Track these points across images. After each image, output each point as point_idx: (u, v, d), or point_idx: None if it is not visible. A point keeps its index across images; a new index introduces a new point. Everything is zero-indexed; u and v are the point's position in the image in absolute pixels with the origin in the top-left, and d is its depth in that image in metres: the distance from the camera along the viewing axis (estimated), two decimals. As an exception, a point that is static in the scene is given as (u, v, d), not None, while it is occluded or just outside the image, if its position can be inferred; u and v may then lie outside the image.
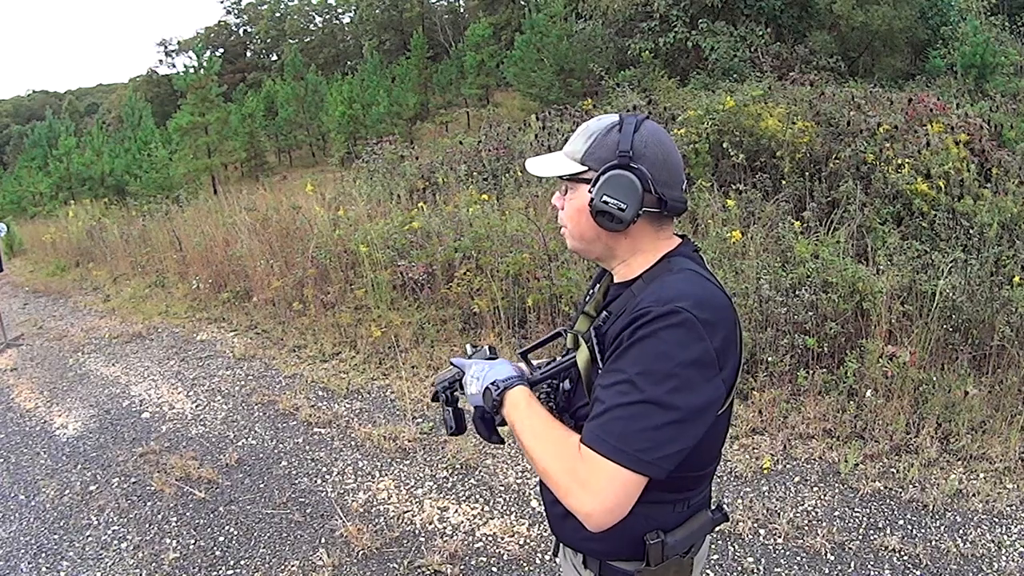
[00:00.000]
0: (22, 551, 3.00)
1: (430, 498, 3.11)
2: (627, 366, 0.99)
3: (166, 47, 59.08)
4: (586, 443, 1.00)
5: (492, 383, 1.16)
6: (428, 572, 2.63)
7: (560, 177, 1.16)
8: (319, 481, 3.35)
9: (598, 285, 1.31)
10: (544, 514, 1.43)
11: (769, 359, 3.63)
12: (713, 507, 1.25)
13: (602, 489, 0.97)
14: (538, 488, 1.43)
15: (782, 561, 2.54)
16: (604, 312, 1.17)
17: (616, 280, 1.22)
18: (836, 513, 2.79)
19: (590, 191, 1.11)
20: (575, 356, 1.15)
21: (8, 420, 4.51)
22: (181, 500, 3.28)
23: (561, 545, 1.30)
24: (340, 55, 45.84)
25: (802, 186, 5.26)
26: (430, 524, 2.93)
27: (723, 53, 11.89)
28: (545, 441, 1.06)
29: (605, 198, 1.09)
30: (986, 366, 3.47)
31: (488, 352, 1.31)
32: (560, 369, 1.19)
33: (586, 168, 1.13)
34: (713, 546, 2.65)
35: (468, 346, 1.36)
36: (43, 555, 2.96)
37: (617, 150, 1.11)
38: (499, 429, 1.25)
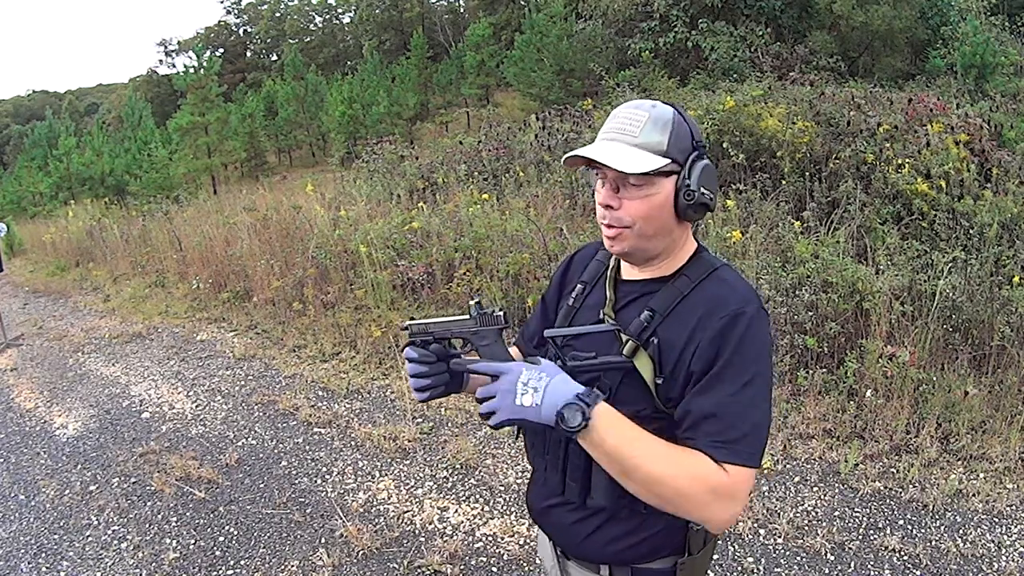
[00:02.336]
0: (22, 551, 3.00)
1: (430, 498, 3.11)
2: (738, 374, 1.02)
3: (166, 47, 59.11)
4: (728, 461, 1.00)
5: (576, 398, 1.00)
6: (428, 572, 2.63)
7: (647, 173, 1.05)
8: (319, 481, 3.35)
9: (604, 281, 1.23)
10: (547, 534, 1.30)
11: (769, 359, 3.63)
12: None
13: (745, 493, 1.02)
14: (533, 508, 1.30)
15: (782, 561, 2.54)
16: (646, 312, 1.10)
17: (645, 276, 1.16)
18: (836, 513, 2.78)
19: (686, 182, 1.08)
20: (630, 362, 1.08)
21: (8, 420, 4.51)
22: (181, 500, 3.28)
23: (569, 560, 1.25)
24: (340, 55, 45.83)
25: (802, 186, 5.26)
26: (430, 524, 2.93)
27: (723, 53, 11.88)
28: (674, 465, 1.00)
29: (704, 189, 1.09)
30: (986, 366, 3.47)
31: (502, 320, 1.11)
32: (608, 368, 1.10)
33: (670, 160, 1.07)
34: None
35: (473, 305, 1.12)
36: (43, 555, 2.96)
37: (692, 139, 1.10)
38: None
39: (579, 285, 1.26)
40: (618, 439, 1.00)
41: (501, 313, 1.11)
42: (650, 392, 1.08)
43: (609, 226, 1.11)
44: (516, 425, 1.05)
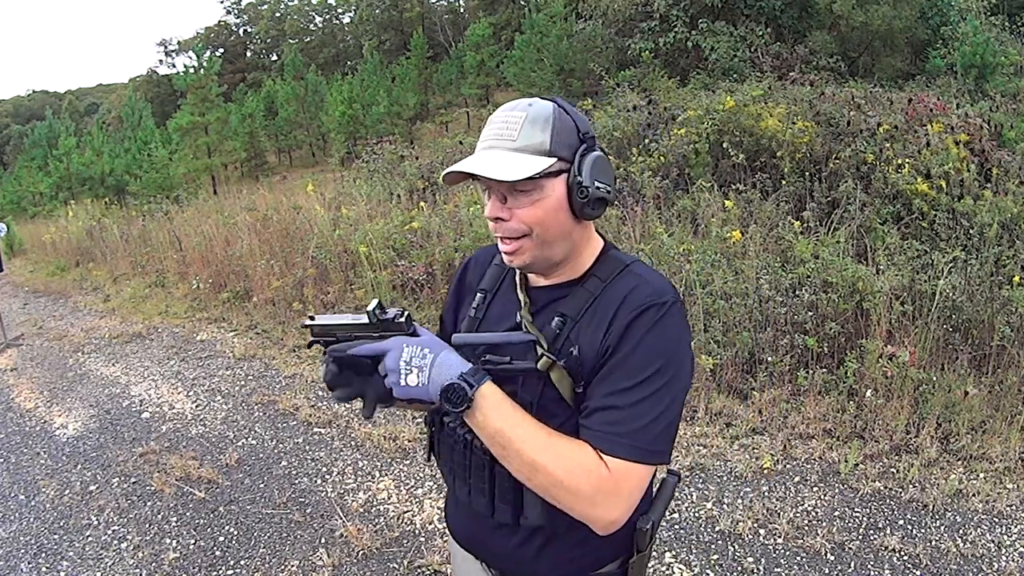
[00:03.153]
0: (22, 551, 3.00)
1: (430, 498, 3.11)
2: (637, 367, 0.98)
3: (166, 47, 59.13)
4: (612, 454, 0.96)
5: (460, 377, 0.95)
6: (428, 572, 2.63)
7: (532, 178, 0.98)
8: (319, 481, 3.35)
9: (509, 287, 1.16)
10: (484, 562, 1.22)
11: (769, 359, 3.63)
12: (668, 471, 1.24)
13: (632, 491, 0.96)
14: (461, 536, 1.26)
15: (782, 561, 2.54)
16: (557, 318, 1.05)
17: (553, 281, 1.10)
18: (836, 513, 2.79)
19: (577, 179, 1.01)
20: (534, 366, 1.03)
21: (8, 420, 4.50)
22: (181, 500, 3.28)
23: None
24: (340, 55, 45.84)
25: (802, 186, 5.26)
26: (430, 524, 2.93)
27: (723, 53, 11.88)
28: (554, 453, 0.95)
29: (598, 184, 1.02)
30: (986, 366, 3.47)
31: (406, 324, 1.01)
32: (516, 372, 1.04)
33: (556, 159, 1.00)
34: (713, 546, 2.65)
35: (374, 304, 1.00)
36: (43, 555, 2.96)
37: (579, 132, 1.03)
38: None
39: (478, 294, 1.18)
40: (502, 421, 0.96)
41: (404, 316, 1.01)
42: (569, 405, 1.03)
43: (504, 239, 1.03)
44: (406, 405, 1.01)
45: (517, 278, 1.15)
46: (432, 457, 1.23)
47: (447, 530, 1.33)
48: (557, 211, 1.02)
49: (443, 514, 1.36)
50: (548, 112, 1.02)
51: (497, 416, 0.96)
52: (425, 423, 1.24)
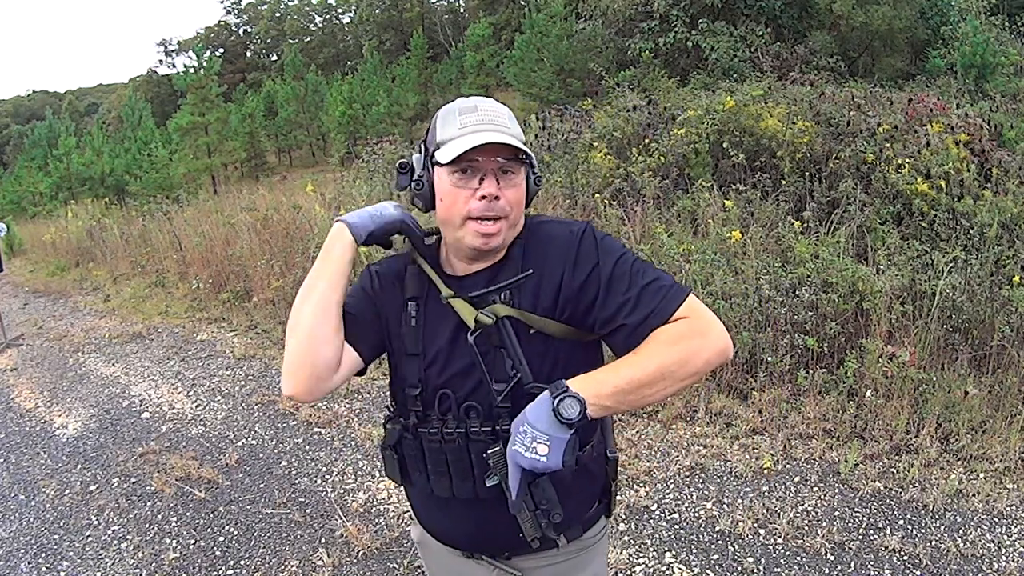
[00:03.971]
0: (22, 551, 3.00)
1: (430, 498, 3.11)
2: (619, 267, 1.10)
3: (166, 47, 59.11)
4: (672, 313, 1.07)
5: (556, 397, 1.02)
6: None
7: (522, 159, 1.12)
8: (319, 481, 3.35)
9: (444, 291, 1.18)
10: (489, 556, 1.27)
11: (769, 359, 3.63)
12: None
13: (704, 311, 1.09)
14: (458, 539, 1.28)
15: (782, 561, 2.54)
16: (501, 293, 1.13)
17: (483, 266, 1.17)
18: (836, 513, 2.79)
19: (532, 171, 1.17)
20: (531, 272, 1.13)
21: (8, 420, 4.51)
22: (181, 500, 3.28)
23: (517, 557, 1.24)
24: (340, 55, 45.84)
25: (802, 186, 5.26)
26: (430, 524, 2.93)
27: (723, 53, 11.88)
28: (651, 358, 1.04)
29: (539, 178, 1.19)
30: (986, 366, 3.47)
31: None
32: (512, 284, 1.14)
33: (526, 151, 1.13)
34: (713, 546, 2.65)
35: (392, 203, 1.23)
36: (43, 555, 2.96)
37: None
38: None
39: (411, 303, 1.20)
40: (610, 386, 1.03)
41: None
42: (578, 343, 1.14)
43: (496, 219, 1.10)
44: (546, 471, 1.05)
45: (434, 275, 1.18)
46: (405, 480, 1.24)
47: (436, 550, 1.31)
48: (523, 197, 1.15)
49: (422, 543, 1.37)
50: (510, 111, 1.16)
51: (601, 384, 1.03)
52: (383, 449, 1.24)
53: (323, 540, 2.88)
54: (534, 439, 1.02)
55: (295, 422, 4.00)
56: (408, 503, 1.38)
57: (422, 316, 1.19)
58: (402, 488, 1.33)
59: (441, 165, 1.11)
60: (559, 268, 1.12)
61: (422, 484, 1.21)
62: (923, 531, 2.65)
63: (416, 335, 1.19)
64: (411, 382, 1.18)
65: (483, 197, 1.09)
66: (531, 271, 1.12)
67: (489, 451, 1.09)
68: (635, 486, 3.06)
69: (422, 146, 1.18)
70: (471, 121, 1.09)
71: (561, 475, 1.04)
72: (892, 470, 3.02)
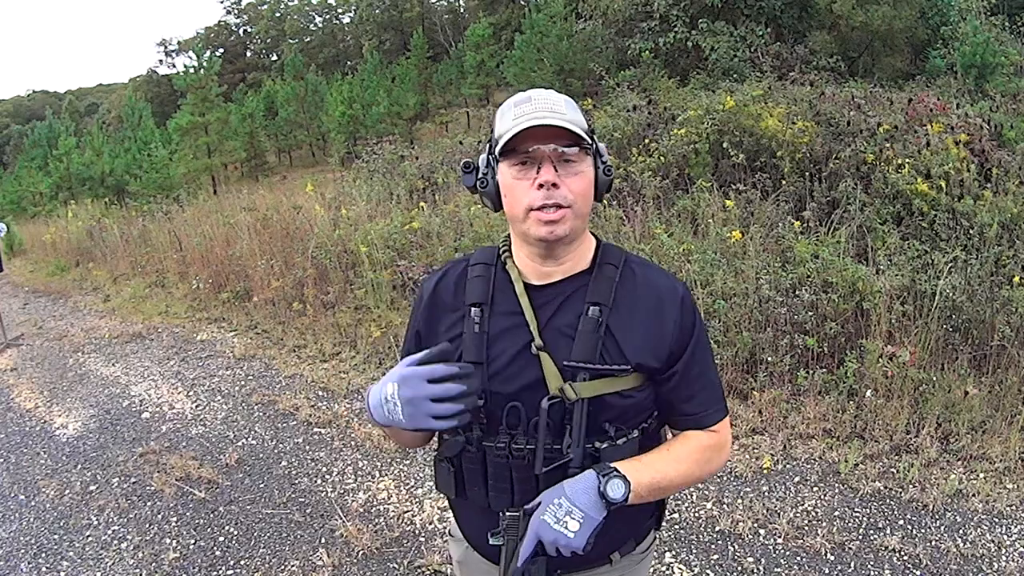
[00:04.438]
0: (22, 551, 3.00)
1: (430, 498, 3.11)
2: (700, 352, 1.15)
3: (166, 47, 59.05)
4: (716, 422, 1.17)
5: (602, 477, 1.03)
6: (428, 572, 2.63)
7: (584, 147, 1.08)
8: (319, 481, 3.35)
9: (507, 294, 1.15)
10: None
11: (769, 359, 3.63)
12: None
13: (728, 434, 1.22)
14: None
15: (782, 561, 2.54)
16: (592, 307, 1.10)
17: (561, 276, 1.13)
18: (836, 513, 2.79)
19: (602, 160, 1.12)
20: (630, 368, 1.09)
21: (8, 420, 4.51)
22: (181, 500, 3.28)
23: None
24: (340, 55, 45.82)
25: (802, 186, 5.26)
26: (430, 524, 2.93)
27: (723, 53, 11.87)
28: (684, 464, 1.13)
29: (609, 168, 1.13)
30: (986, 366, 3.46)
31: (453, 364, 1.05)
32: (608, 373, 1.10)
33: (590, 139, 1.10)
34: (713, 546, 2.65)
35: (427, 351, 1.05)
36: (43, 555, 2.96)
37: (585, 118, 1.11)
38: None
39: (473, 309, 1.15)
40: (646, 478, 1.08)
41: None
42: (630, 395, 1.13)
43: (556, 207, 1.06)
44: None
45: (518, 283, 1.14)
46: (460, 495, 1.20)
47: (479, 569, 1.28)
48: (590, 187, 1.11)
49: (463, 562, 1.34)
50: (572, 100, 1.12)
51: (640, 475, 1.07)
52: (439, 461, 1.21)
53: (323, 540, 2.88)
54: (568, 513, 1.02)
55: (295, 422, 4.00)
56: (453, 517, 1.34)
57: (486, 323, 1.14)
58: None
59: (501, 160, 1.09)
60: (661, 323, 1.11)
61: (479, 499, 1.17)
62: (923, 531, 2.64)
63: (480, 343, 1.13)
64: (472, 390, 1.11)
65: (540, 186, 1.06)
66: (630, 367, 1.09)
67: (507, 513, 1.09)
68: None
69: (487, 145, 1.16)
70: (524, 111, 1.07)
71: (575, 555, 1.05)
72: (892, 470, 3.01)
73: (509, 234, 1.19)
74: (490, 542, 1.11)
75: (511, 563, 1.07)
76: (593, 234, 1.20)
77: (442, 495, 1.30)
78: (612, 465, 1.05)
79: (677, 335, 1.12)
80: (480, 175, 1.15)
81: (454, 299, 1.19)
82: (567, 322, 1.11)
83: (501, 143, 1.07)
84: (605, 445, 1.09)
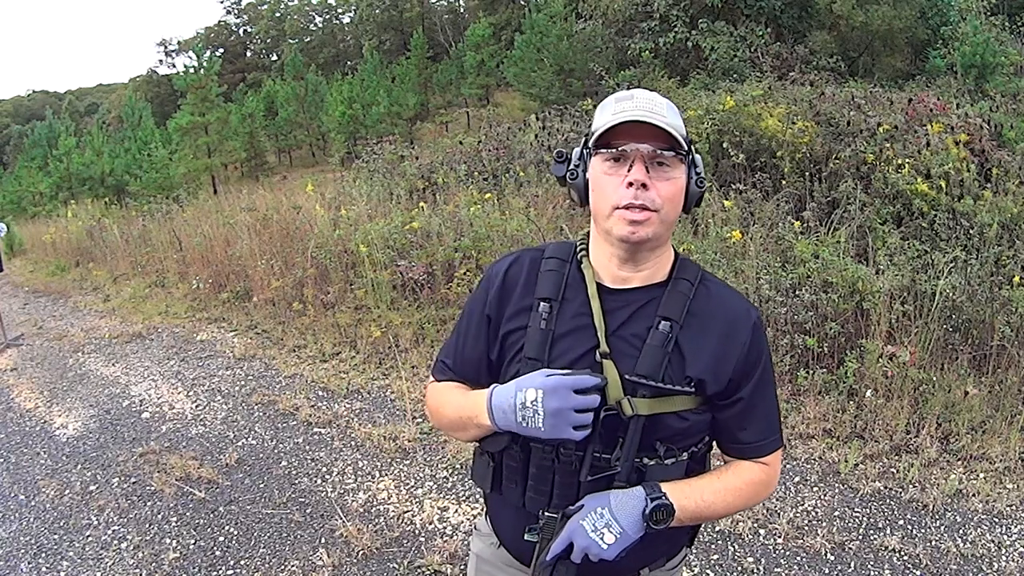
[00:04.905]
0: (22, 551, 3.00)
1: (430, 498, 3.11)
2: (765, 380, 1.13)
3: (166, 47, 59.05)
4: (770, 454, 1.15)
5: (651, 499, 1.03)
6: (428, 572, 2.63)
7: (679, 152, 1.05)
8: (319, 481, 3.35)
9: (580, 293, 1.12)
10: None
11: (769, 359, 3.62)
12: None
13: (779, 467, 1.20)
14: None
15: (782, 561, 2.54)
16: (664, 322, 1.07)
17: (637, 283, 1.11)
18: (836, 513, 2.78)
19: (696, 170, 1.10)
20: (692, 389, 1.07)
21: (8, 420, 4.50)
22: (181, 500, 3.28)
23: None
24: (340, 55, 45.83)
25: (802, 186, 5.26)
26: (430, 524, 2.93)
27: (723, 53, 11.87)
28: (732, 494, 1.12)
29: (702, 179, 1.11)
30: (986, 366, 3.47)
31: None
32: (673, 393, 1.07)
33: (687, 146, 1.07)
34: (713, 546, 2.65)
35: (577, 375, 1.03)
36: (43, 555, 2.96)
37: (682, 125, 1.09)
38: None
39: (542, 303, 1.11)
40: (691, 502, 1.08)
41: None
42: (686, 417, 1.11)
43: (641, 208, 1.03)
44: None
45: (591, 284, 1.11)
46: (496, 490, 1.18)
47: (499, 565, 1.27)
48: (680, 195, 1.08)
49: (482, 556, 1.32)
50: (674, 106, 1.09)
51: (686, 501, 1.07)
52: (479, 454, 1.20)
53: (323, 540, 2.88)
54: (607, 525, 1.02)
55: (295, 422, 4.00)
56: (485, 513, 1.31)
57: (553, 320, 1.11)
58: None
59: (594, 153, 1.07)
60: (730, 346, 1.09)
61: (514, 496, 1.14)
62: (923, 531, 2.64)
63: (544, 340, 1.10)
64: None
65: (630, 184, 1.03)
66: (693, 389, 1.07)
67: (545, 512, 1.08)
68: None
69: (583, 138, 1.14)
70: (624, 108, 1.04)
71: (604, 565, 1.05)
72: (892, 470, 3.01)
73: (588, 232, 1.17)
74: (525, 537, 1.11)
75: (540, 559, 1.07)
76: (673, 248, 1.17)
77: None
78: (663, 489, 1.05)
79: (744, 360, 1.09)
80: (571, 166, 1.12)
81: (523, 288, 1.15)
82: (635, 332, 1.08)
83: (596, 135, 1.05)
84: (653, 463, 1.08)
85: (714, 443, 1.20)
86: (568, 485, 1.08)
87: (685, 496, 1.07)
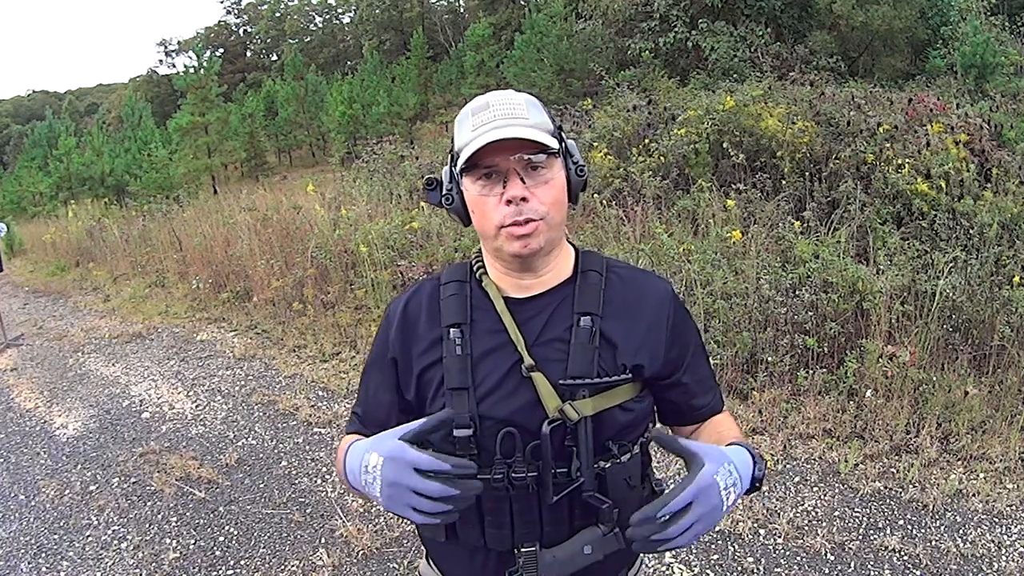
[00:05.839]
0: (22, 551, 3.00)
1: (430, 498, 3.11)
2: (699, 347, 1.16)
3: (166, 47, 59.02)
4: (721, 407, 1.18)
5: (755, 460, 0.99)
6: (428, 572, 2.63)
7: (555, 152, 1.00)
8: (319, 481, 3.35)
9: (486, 310, 1.06)
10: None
11: (769, 359, 3.63)
12: None
13: None
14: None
15: (782, 561, 2.54)
16: (584, 318, 1.03)
17: (542, 288, 1.07)
18: (836, 513, 2.79)
19: (573, 159, 1.04)
20: (629, 376, 1.03)
21: (8, 420, 4.51)
22: (181, 500, 3.28)
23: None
24: (340, 55, 45.82)
25: (802, 186, 5.26)
26: (430, 524, 2.92)
27: (723, 53, 11.87)
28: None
29: (581, 168, 1.05)
30: (986, 366, 3.47)
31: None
32: (611, 385, 1.04)
33: (558, 140, 1.02)
34: (713, 546, 2.65)
35: (423, 421, 0.93)
36: (43, 555, 2.96)
37: (550, 116, 1.04)
38: None
39: (452, 330, 1.05)
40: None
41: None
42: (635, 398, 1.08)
43: (526, 221, 0.98)
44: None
45: (498, 301, 1.06)
46: (450, 538, 1.07)
47: None
48: (562, 193, 1.02)
49: None
50: (535, 99, 1.04)
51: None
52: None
53: (323, 540, 2.88)
54: (735, 484, 0.91)
55: (295, 422, 4.00)
56: (427, 559, 1.21)
57: (468, 344, 1.04)
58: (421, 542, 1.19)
59: (464, 175, 1.01)
60: (656, 324, 1.07)
61: (473, 538, 1.05)
62: (923, 531, 2.65)
63: (463, 366, 1.03)
64: (460, 421, 1.01)
65: (509, 202, 0.97)
66: (629, 376, 1.03)
67: (522, 549, 1.01)
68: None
69: (449, 156, 1.08)
70: (483, 120, 0.99)
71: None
72: (892, 470, 3.01)
73: (480, 249, 1.11)
74: None
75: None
76: (570, 242, 1.13)
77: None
78: (748, 445, 1.01)
79: (672, 334, 1.08)
80: (444, 191, 1.06)
81: (428, 321, 1.09)
82: (557, 336, 1.04)
83: (461, 160, 0.98)
84: (609, 464, 1.03)
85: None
86: (528, 511, 1.02)
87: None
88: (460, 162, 0.99)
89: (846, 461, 3.07)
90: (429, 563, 1.20)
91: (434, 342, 1.07)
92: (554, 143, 0.99)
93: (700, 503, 0.86)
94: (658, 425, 1.17)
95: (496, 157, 0.97)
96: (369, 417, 1.16)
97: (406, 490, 0.87)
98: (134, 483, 3.49)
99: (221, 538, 2.97)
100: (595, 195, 5.52)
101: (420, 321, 1.10)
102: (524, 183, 0.98)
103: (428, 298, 1.11)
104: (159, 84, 46.04)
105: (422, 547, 1.23)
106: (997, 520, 2.68)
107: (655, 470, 1.16)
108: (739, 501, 0.98)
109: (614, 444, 1.03)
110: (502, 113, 0.99)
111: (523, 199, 0.97)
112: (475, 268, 1.11)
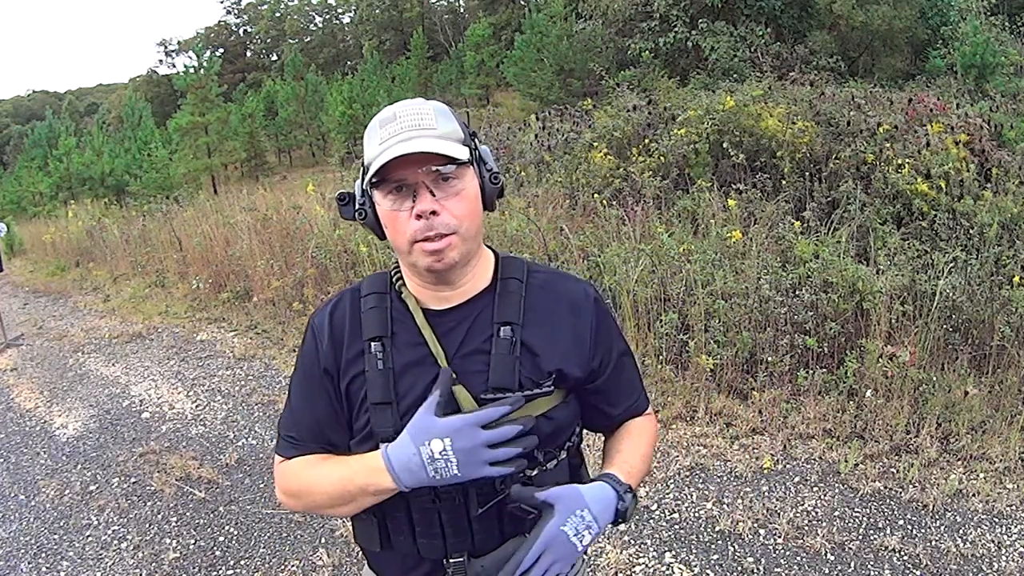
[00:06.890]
0: (22, 551, 3.00)
1: (430, 498, 3.11)
2: (623, 350, 1.16)
3: (166, 47, 59.04)
4: (644, 408, 1.19)
5: (620, 495, 1.01)
6: (428, 572, 2.63)
7: (465, 162, 0.98)
8: (319, 481, 3.35)
9: (407, 323, 1.05)
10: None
11: (769, 359, 3.63)
12: None
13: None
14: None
15: (782, 561, 2.54)
16: (504, 328, 1.02)
17: (462, 299, 1.05)
18: (836, 513, 2.78)
19: (487, 167, 1.03)
20: (552, 388, 1.02)
21: (8, 420, 4.51)
22: (181, 500, 3.28)
23: None
24: (340, 55, 45.83)
25: (802, 186, 5.26)
26: (430, 524, 2.92)
27: (723, 53, 11.88)
28: (648, 451, 1.17)
29: (496, 175, 1.03)
30: (986, 366, 3.47)
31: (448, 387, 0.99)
32: (535, 396, 1.02)
33: (468, 149, 1.00)
34: (713, 546, 2.65)
35: (436, 396, 0.96)
36: (43, 555, 2.96)
37: (465, 126, 1.03)
38: None
39: (373, 344, 1.03)
40: (635, 478, 1.08)
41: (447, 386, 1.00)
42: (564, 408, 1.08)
43: (438, 237, 0.96)
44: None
45: (417, 313, 1.04)
46: (385, 546, 1.07)
47: None
48: (476, 203, 1.01)
49: None
50: (445, 106, 1.03)
51: (631, 479, 1.07)
52: (355, 516, 1.07)
53: (323, 540, 2.88)
54: (588, 528, 0.95)
55: (295, 422, 4.00)
56: (368, 566, 1.19)
57: (390, 358, 1.03)
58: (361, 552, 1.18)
59: (374, 189, 0.99)
60: (579, 329, 1.06)
61: (406, 547, 1.05)
62: (923, 531, 2.64)
63: (385, 380, 1.02)
64: (385, 435, 1.00)
65: (419, 216, 0.95)
66: (552, 388, 1.02)
67: (451, 560, 1.01)
68: (635, 486, 3.06)
69: (360, 170, 1.04)
70: (390, 132, 0.96)
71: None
72: (892, 470, 3.01)
73: (399, 260, 1.09)
74: None
75: None
76: (489, 247, 1.11)
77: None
78: (618, 478, 1.03)
79: (596, 338, 1.08)
80: (357, 206, 1.04)
81: (351, 334, 1.07)
82: (477, 347, 1.02)
83: (369, 174, 0.96)
84: (536, 472, 1.02)
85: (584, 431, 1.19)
86: (457, 521, 1.01)
87: (629, 474, 1.06)
88: (368, 176, 0.97)
89: (846, 461, 3.07)
90: (371, 569, 1.19)
91: (357, 355, 1.05)
92: (463, 153, 0.97)
93: (550, 553, 0.94)
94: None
95: (404, 171, 0.95)
96: (311, 434, 1.10)
97: (482, 448, 0.93)
98: (134, 483, 3.49)
99: (221, 538, 2.97)
100: (595, 195, 5.52)
101: (345, 334, 1.07)
102: (434, 196, 0.96)
103: (351, 309, 1.09)
104: (159, 84, 46.04)
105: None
106: (997, 520, 2.68)
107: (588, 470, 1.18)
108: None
109: (540, 452, 1.02)
110: (409, 124, 0.97)
111: (433, 213, 0.95)
112: (394, 279, 1.09)
